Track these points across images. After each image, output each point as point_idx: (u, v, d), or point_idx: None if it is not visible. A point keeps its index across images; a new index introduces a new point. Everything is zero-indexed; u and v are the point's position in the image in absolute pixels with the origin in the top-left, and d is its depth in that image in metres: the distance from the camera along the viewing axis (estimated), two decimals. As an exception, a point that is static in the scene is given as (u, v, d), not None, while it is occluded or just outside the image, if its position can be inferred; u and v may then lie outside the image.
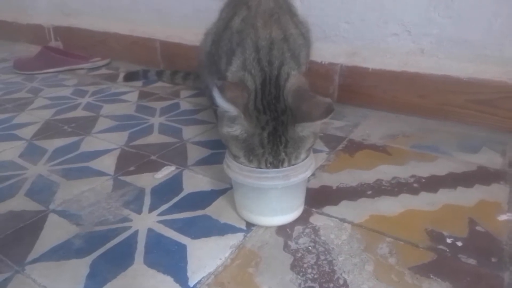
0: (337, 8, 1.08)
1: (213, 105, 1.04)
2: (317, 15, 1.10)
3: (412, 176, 0.74)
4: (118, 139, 0.93)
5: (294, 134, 0.55)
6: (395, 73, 1.00)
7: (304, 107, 0.53)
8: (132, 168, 0.80)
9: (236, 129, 0.55)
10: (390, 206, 0.66)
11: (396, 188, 0.71)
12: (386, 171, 0.76)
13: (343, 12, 1.07)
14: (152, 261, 0.55)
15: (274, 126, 0.54)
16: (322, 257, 0.55)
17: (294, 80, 0.57)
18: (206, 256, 0.56)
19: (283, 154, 0.55)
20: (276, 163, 0.55)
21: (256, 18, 0.64)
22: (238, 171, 0.57)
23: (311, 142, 0.57)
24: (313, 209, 0.65)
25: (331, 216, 0.64)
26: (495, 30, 0.89)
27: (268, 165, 0.55)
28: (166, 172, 0.78)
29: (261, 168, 0.56)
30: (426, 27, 0.97)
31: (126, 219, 0.64)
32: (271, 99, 0.56)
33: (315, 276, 0.52)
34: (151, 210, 0.66)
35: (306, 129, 0.55)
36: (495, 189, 0.69)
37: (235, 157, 0.57)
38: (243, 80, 0.58)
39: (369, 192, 0.70)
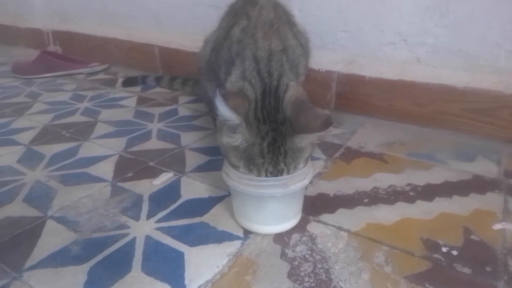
0: (334, 16, 1.09)
1: (211, 112, 1.05)
2: (315, 23, 1.11)
3: (408, 184, 0.75)
4: (116, 145, 0.94)
5: (293, 145, 0.56)
6: (391, 82, 1.01)
7: (302, 119, 0.54)
8: (130, 174, 0.80)
9: (237, 139, 0.55)
10: (386, 214, 0.66)
11: (392, 196, 0.71)
12: (382, 179, 0.77)
13: (340, 20, 1.09)
14: (150, 269, 0.55)
15: (273, 136, 0.55)
16: (319, 266, 0.55)
17: (293, 91, 0.58)
18: (203, 264, 0.56)
19: (282, 164, 0.56)
20: (276, 172, 0.56)
21: (256, 28, 0.65)
22: (237, 179, 0.58)
23: (309, 152, 0.58)
24: (310, 217, 0.66)
25: (328, 224, 0.64)
26: (489, 40, 0.91)
27: (268, 175, 0.56)
28: (164, 178, 0.78)
29: (261, 177, 0.56)
30: (422, 37, 0.98)
31: (124, 226, 0.64)
32: (270, 109, 0.56)
33: (312, 285, 0.52)
34: (149, 217, 0.67)
35: (304, 140, 0.56)
36: (490, 198, 0.70)
37: (234, 167, 0.58)
38: (242, 90, 0.58)
39: (366, 200, 0.70)
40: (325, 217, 0.66)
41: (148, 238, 0.61)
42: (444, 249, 0.58)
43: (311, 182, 0.74)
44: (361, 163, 0.84)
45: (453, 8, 0.92)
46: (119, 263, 0.56)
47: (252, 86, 0.58)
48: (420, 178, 0.77)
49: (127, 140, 0.96)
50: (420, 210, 0.67)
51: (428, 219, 0.65)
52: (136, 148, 0.92)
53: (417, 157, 0.85)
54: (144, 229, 0.64)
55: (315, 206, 0.69)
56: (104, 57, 1.64)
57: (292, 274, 0.54)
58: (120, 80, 1.44)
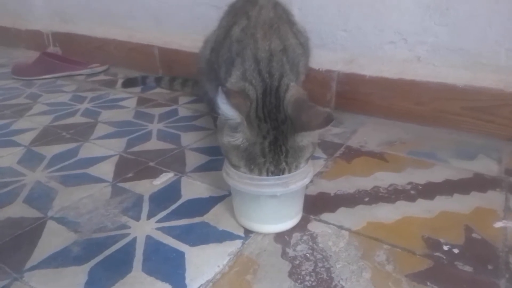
0: (334, 16, 1.09)
1: (211, 112, 1.05)
2: (315, 22, 1.11)
3: (409, 183, 0.75)
4: (117, 146, 0.93)
5: (294, 144, 0.55)
6: (392, 81, 1.01)
7: (303, 117, 0.54)
8: (130, 175, 0.80)
9: (238, 138, 0.55)
10: (387, 213, 0.66)
11: (393, 195, 0.71)
12: (383, 178, 0.77)
13: (340, 20, 1.08)
14: (151, 269, 0.55)
15: (274, 135, 0.55)
16: (320, 264, 0.55)
17: (293, 91, 0.58)
18: (204, 263, 0.56)
19: (283, 163, 0.55)
20: (277, 172, 0.56)
21: (256, 28, 0.64)
22: (237, 178, 0.58)
23: (310, 152, 0.58)
24: (311, 216, 0.66)
25: (329, 223, 0.64)
26: (490, 39, 0.90)
27: (270, 174, 0.56)
28: (164, 178, 0.78)
29: (262, 176, 0.56)
30: (422, 35, 0.98)
31: (124, 226, 0.64)
32: (271, 108, 0.56)
33: (313, 284, 0.52)
34: (149, 217, 0.67)
35: (305, 139, 0.56)
36: (491, 196, 0.70)
37: (234, 167, 0.58)
38: (243, 90, 0.58)
39: (367, 199, 0.70)
40: (326, 216, 0.66)
41: (148, 238, 0.61)
42: (445, 248, 0.58)
43: (311, 181, 0.74)
44: (361, 162, 0.84)
45: (453, 7, 0.92)
46: (120, 263, 0.56)
47: (253, 86, 0.58)
48: (421, 176, 0.77)
49: (127, 140, 0.96)
50: (421, 209, 0.67)
51: (429, 218, 0.65)
52: (136, 149, 0.92)
53: (418, 156, 0.85)
54: (144, 229, 0.64)
55: (316, 205, 0.69)
56: (104, 58, 1.64)
57: (293, 273, 0.54)
58: (120, 81, 1.45)
